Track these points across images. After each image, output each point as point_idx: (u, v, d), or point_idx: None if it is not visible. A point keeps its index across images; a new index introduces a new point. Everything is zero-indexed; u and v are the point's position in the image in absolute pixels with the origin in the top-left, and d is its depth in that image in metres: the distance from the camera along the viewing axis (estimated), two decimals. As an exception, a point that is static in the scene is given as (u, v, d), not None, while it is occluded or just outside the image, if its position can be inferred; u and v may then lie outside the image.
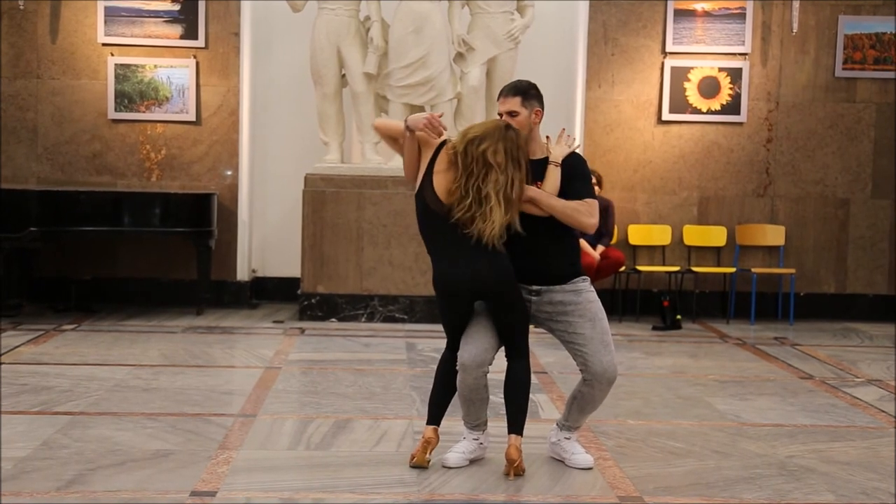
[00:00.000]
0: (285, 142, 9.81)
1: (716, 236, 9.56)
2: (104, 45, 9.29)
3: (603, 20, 9.46)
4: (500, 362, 4.62)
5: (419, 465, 4.55)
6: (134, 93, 9.30)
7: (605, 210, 8.78)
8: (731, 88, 9.49)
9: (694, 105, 9.49)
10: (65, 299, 9.06)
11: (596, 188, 8.25)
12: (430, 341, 7.69)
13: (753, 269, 9.41)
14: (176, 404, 5.72)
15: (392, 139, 4.75)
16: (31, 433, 5.01)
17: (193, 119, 9.36)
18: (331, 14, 8.79)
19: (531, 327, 4.64)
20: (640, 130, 9.54)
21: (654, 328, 8.79)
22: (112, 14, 9.26)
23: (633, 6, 9.46)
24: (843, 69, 9.54)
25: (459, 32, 8.85)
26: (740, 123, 9.55)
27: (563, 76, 9.72)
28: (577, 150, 4.72)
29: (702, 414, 5.82)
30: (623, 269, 9.07)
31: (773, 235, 9.57)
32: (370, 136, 8.91)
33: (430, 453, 4.58)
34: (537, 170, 4.54)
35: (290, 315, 9.00)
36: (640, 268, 9.33)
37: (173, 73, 9.32)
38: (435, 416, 4.65)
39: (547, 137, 4.68)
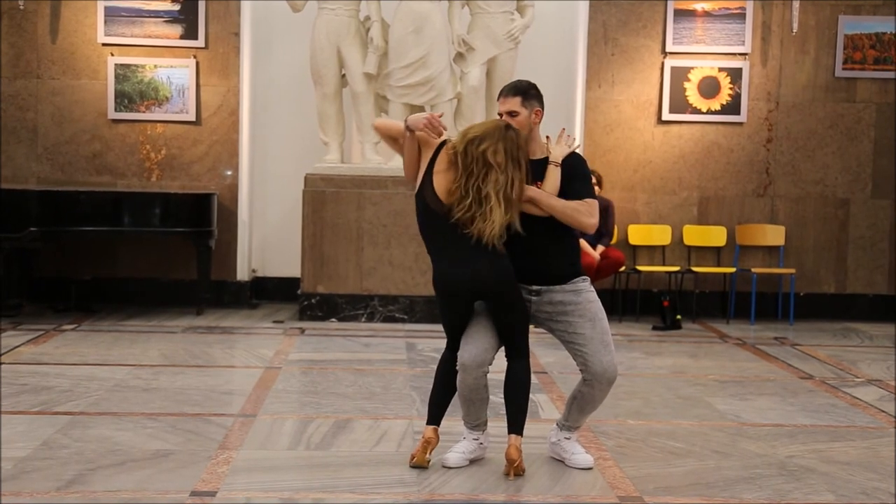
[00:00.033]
0: (285, 142, 9.81)
1: (716, 236, 9.56)
2: (104, 45, 9.29)
3: (603, 20, 9.46)
4: (500, 362, 4.62)
5: (419, 465, 4.55)
6: (134, 93, 9.31)
7: (605, 210, 8.78)
8: (731, 88, 9.49)
9: (694, 105, 9.49)
10: (65, 299, 9.06)
11: (596, 188, 8.24)
12: (430, 341, 7.69)
13: (753, 269, 9.41)
14: (176, 404, 5.72)
15: (392, 139, 4.75)
16: (31, 433, 5.01)
17: (193, 119, 9.36)
18: (331, 14, 8.79)
19: (531, 327, 4.64)
20: (640, 130, 9.54)
21: (654, 328, 8.79)
22: (112, 14, 9.26)
23: (633, 6, 9.46)
24: (843, 69, 9.54)
25: (459, 32, 8.85)
26: (740, 123, 9.55)
27: (563, 76, 9.72)
28: (577, 151, 4.72)
29: (702, 414, 5.82)
30: (623, 269, 9.07)
31: (773, 235, 9.57)
32: (370, 136, 8.91)
33: (430, 453, 4.58)
34: (537, 170, 4.54)
35: (290, 315, 9.00)
36: (640, 268, 9.33)
37: (173, 73, 9.32)
38: (435, 416, 4.65)
39: (547, 137, 4.68)
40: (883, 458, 4.96)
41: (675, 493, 4.36)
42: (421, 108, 8.86)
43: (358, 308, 8.75)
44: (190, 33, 9.30)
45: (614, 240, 9.13)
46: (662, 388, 6.49)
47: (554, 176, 4.52)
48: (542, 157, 4.59)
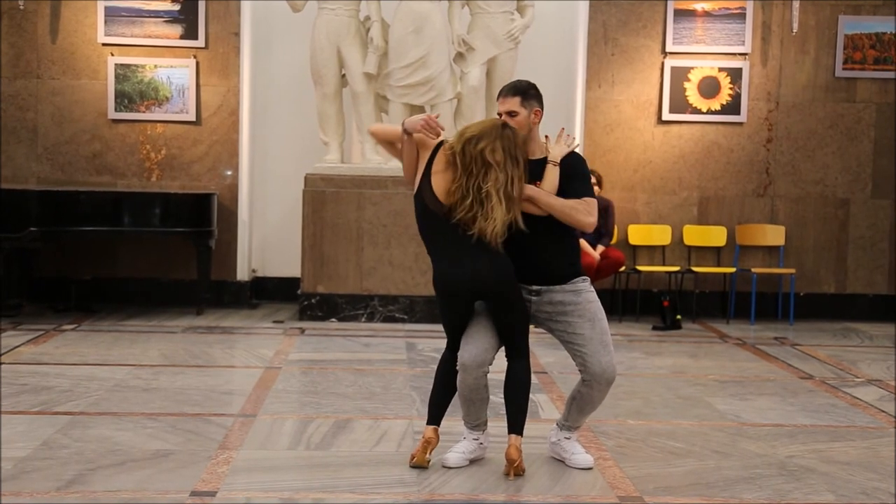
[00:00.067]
0: (285, 142, 9.81)
1: (716, 236, 9.56)
2: (104, 45, 9.29)
3: (603, 20, 9.46)
4: (500, 362, 4.62)
5: (419, 465, 4.56)
6: (134, 93, 9.31)
7: (606, 210, 8.79)
8: (731, 88, 9.49)
9: (694, 105, 9.49)
10: (65, 299, 9.06)
11: (596, 188, 8.25)
12: (430, 341, 7.70)
13: (753, 269, 9.41)
14: (176, 404, 5.72)
15: (389, 143, 4.75)
16: (31, 433, 5.01)
17: (193, 119, 9.36)
18: (331, 14, 8.79)
19: (531, 327, 4.64)
20: (640, 130, 9.54)
21: (654, 328, 8.79)
22: (112, 14, 9.26)
23: (633, 6, 9.46)
24: (843, 69, 9.54)
25: (459, 32, 8.85)
26: (740, 123, 9.55)
27: (563, 76, 9.72)
28: (577, 150, 4.72)
29: (702, 414, 5.82)
30: (623, 269, 9.07)
31: (773, 235, 9.57)
32: (370, 137, 8.90)
33: (430, 453, 4.58)
34: (536, 170, 4.54)
35: (290, 315, 9.00)
36: (640, 268, 9.33)
37: (173, 73, 9.32)
38: (435, 416, 4.65)
39: (546, 137, 4.68)
40: (883, 458, 4.96)
41: (675, 493, 4.36)
42: (421, 108, 8.86)
43: (358, 308, 8.75)
44: (190, 33, 9.30)
45: (614, 240, 9.13)
46: (662, 388, 6.49)
47: (552, 175, 4.52)
48: (542, 157, 4.59)
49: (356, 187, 8.74)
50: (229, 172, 9.42)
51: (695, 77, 9.48)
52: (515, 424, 4.53)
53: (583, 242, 8.23)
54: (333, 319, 8.72)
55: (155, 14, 9.28)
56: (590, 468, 4.63)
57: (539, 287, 4.56)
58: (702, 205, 9.62)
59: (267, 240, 9.91)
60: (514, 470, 4.47)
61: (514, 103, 4.55)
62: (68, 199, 8.62)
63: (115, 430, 5.11)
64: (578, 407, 4.67)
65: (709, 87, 9.49)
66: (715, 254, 9.62)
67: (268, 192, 9.86)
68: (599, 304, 4.62)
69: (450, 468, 4.57)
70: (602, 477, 4.56)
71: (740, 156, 9.59)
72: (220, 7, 9.34)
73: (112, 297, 9.34)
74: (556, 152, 4.58)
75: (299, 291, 8.82)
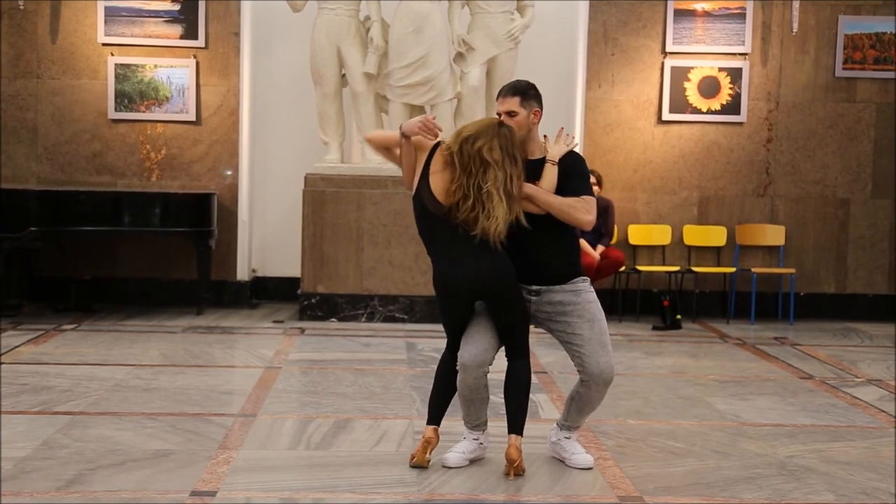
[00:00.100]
0: (285, 142, 9.81)
1: (716, 236, 9.56)
2: (104, 44, 9.29)
3: (603, 20, 9.46)
4: (500, 362, 4.62)
5: (419, 465, 4.56)
6: (134, 93, 9.31)
7: (606, 210, 8.79)
8: (731, 88, 9.49)
9: (694, 105, 9.49)
10: (65, 299, 9.06)
11: (596, 188, 8.27)
12: (430, 341, 7.70)
13: (753, 269, 9.41)
14: (176, 404, 5.72)
15: (385, 149, 4.76)
16: (31, 433, 5.01)
17: (193, 119, 9.36)
18: (331, 14, 8.79)
19: (531, 327, 4.64)
20: (640, 130, 9.54)
21: (654, 328, 8.79)
22: (112, 14, 9.26)
23: (633, 6, 9.46)
24: (843, 69, 9.54)
25: (459, 32, 8.85)
26: (740, 123, 9.55)
27: (563, 76, 9.72)
28: (576, 150, 4.72)
29: (702, 414, 5.82)
30: (623, 269, 9.07)
31: (773, 235, 9.57)
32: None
33: (430, 453, 4.58)
34: (535, 169, 4.53)
35: (290, 315, 9.00)
36: (640, 268, 9.33)
37: (173, 72, 9.32)
38: (435, 416, 4.65)
39: (545, 137, 4.68)
40: (883, 458, 4.96)
41: (675, 493, 4.36)
42: (421, 108, 8.86)
43: (358, 308, 8.75)
44: (190, 33, 9.31)
45: (614, 240, 9.13)
46: (662, 388, 6.49)
47: (550, 174, 4.52)
48: (541, 156, 4.59)
49: (356, 187, 8.74)
50: (229, 172, 9.42)
51: (695, 77, 9.48)
52: (515, 424, 4.53)
53: (583, 242, 8.23)
54: (333, 319, 8.72)
55: (155, 14, 9.28)
56: (590, 468, 4.63)
57: (539, 287, 4.56)
58: (702, 205, 9.62)
59: (267, 240, 9.91)
60: (514, 470, 4.47)
61: (513, 103, 4.54)
62: (68, 199, 8.62)
63: (115, 430, 5.11)
64: (577, 407, 4.67)
65: (709, 87, 9.49)
66: (715, 254, 9.62)
67: (268, 192, 9.86)
68: (599, 304, 4.62)
69: (450, 468, 4.57)
70: (602, 477, 4.56)
71: (740, 156, 9.59)
72: (220, 7, 9.34)
73: (112, 297, 9.34)
74: (555, 152, 4.58)
75: (299, 291, 8.82)
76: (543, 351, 7.22)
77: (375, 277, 8.73)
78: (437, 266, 4.56)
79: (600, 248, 8.68)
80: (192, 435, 5.08)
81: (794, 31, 9.47)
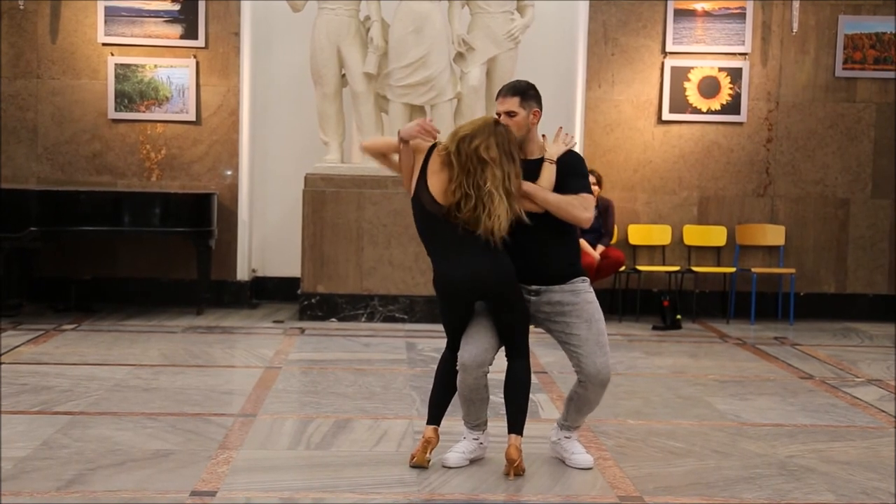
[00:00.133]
0: (285, 142, 9.81)
1: (716, 236, 9.56)
2: (104, 44, 9.29)
3: (603, 20, 9.46)
4: (500, 362, 4.62)
5: (419, 464, 4.56)
6: (134, 93, 9.31)
7: (606, 210, 8.80)
8: (731, 88, 9.49)
9: (694, 105, 9.49)
10: (65, 299, 9.06)
11: (596, 188, 8.29)
12: (430, 341, 7.70)
13: (753, 269, 9.41)
14: (176, 404, 5.72)
15: (382, 155, 4.76)
16: (31, 433, 5.01)
17: (193, 119, 9.36)
18: (331, 14, 8.79)
19: (531, 327, 4.64)
20: (640, 130, 9.54)
21: (654, 328, 8.79)
22: (112, 14, 9.26)
23: (633, 6, 9.46)
24: (843, 69, 9.54)
25: (459, 32, 8.85)
26: (740, 123, 9.55)
27: (563, 76, 9.72)
28: (576, 150, 4.72)
29: (702, 414, 5.82)
30: (623, 268, 9.07)
31: (773, 235, 9.57)
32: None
33: (430, 453, 4.58)
34: (535, 169, 4.53)
35: (290, 315, 9.00)
36: (640, 268, 9.33)
37: (173, 72, 9.32)
38: (435, 416, 4.65)
39: (543, 136, 4.68)
40: (883, 458, 4.96)
41: (675, 493, 4.36)
42: (421, 108, 8.87)
43: (358, 308, 8.75)
44: (190, 33, 9.31)
45: (614, 240, 9.13)
46: (662, 388, 6.49)
47: (549, 173, 4.52)
48: (540, 156, 4.59)
49: (356, 187, 8.74)
50: (229, 172, 9.42)
51: (695, 77, 9.48)
52: (515, 424, 4.53)
53: (583, 242, 8.24)
54: (333, 319, 8.72)
55: (155, 14, 9.28)
56: (589, 468, 4.63)
57: (538, 287, 4.56)
58: (702, 205, 9.62)
59: (267, 240, 9.91)
60: (514, 470, 4.47)
61: (513, 103, 4.55)
62: (68, 199, 8.62)
63: (115, 430, 5.12)
64: (576, 407, 4.67)
65: (709, 87, 9.49)
66: (715, 254, 9.62)
67: (268, 192, 9.86)
68: (598, 305, 4.62)
69: (450, 468, 4.57)
70: (602, 477, 4.56)
71: (740, 156, 9.59)
72: (220, 7, 9.34)
73: (112, 297, 9.34)
74: (553, 151, 4.58)
75: (299, 291, 8.82)
76: (543, 351, 7.21)
77: (375, 277, 8.73)
78: (437, 266, 4.56)
79: (600, 248, 8.69)
80: (192, 435, 5.08)
81: (794, 31, 9.47)
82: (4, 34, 9.25)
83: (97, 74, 9.31)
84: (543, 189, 4.49)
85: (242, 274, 9.57)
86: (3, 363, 6.68)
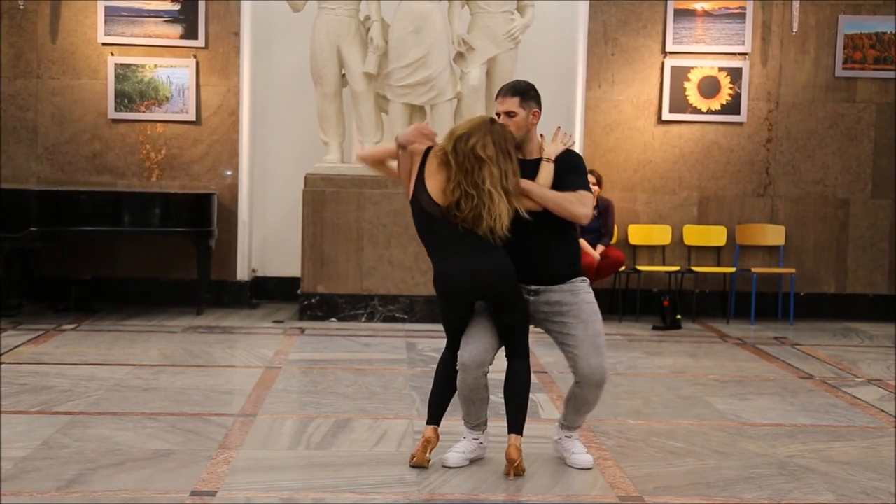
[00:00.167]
0: (285, 142, 9.81)
1: (716, 236, 9.56)
2: (104, 44, 9.29)
3: (603, 20, 9.46)
4: (500, 362, 4.62)
5: (419, 464, 4.56)
6: (134, 92, 9.31)
7: (606, 210, 8.80)
8: (731, 88, 9.49)
9: (694, 105, 9.49)
10: (65, 299, 9.06)
11: (596, 188, 8.29)
12: (430, 341, 7.70)
13: (753, 269, 9.41)
14: (176, 404, 5.72)
15: (379, 163, 4.78)
16: (31, 433, 5.01)
17: (193, 119, 9.36)
18: (331, 14, 8.79)
19: (531, 327, 4.64)
20: (640, 130, 9.54)
21: (654, 328, 8.79)
22: (112, 14, 9.26)
23: (633, 6, 9.46)
24: (843, 69, 9.54)
25: (459, 32, 8.85)
26: (740, 123, 9.55)
27: (563, 76, 9.72)
28: (576, 150, 4.71)
29: (702, 414, 5.82)
30: (623, 268, 9.07)
31: (773, 235, 9.57)
32: (370, 136, 8.92)
33: (430, 453, 4.58)
34: (533, 169, 4.53)
35: (290, 315, 9.00)
36: (640, 268, 9.33)
37: (173, 72, 9.32)
38: (435, 416, 4.65)
39: (541, 136, 4.68)
40: (883, 458, 4.96)
41: (675, 493, 4.36)
42: (421, 108, 8.87)
43: (358, 308, 8.75)
44: (190, 33, 9.31)
45: (614, 240, 9.13)
46: (662, 387, 6.49)
47: (546, 172, 4.52)
48: (539, 156, 4.59)
49: (356, 187, 8.74)
50: (229, 172, 9.42)
51: (695, 77, 9.48)
52: (515, 424, 4.53)
53: (583, 242, 8.24)
54: (333, 319, 8.72)
55: (155, 14, 9.28)
56: (589, 468, 4.63)
57: (537, 287, 4.56)
58: (702, 205, 9.62)
59: (267, 240, 9.91)
60: (514, 470, 4.47)
61: (513, 104, 4.55)
62: (68, 199, 8.62)
63: (115, 430, 5.12)
64: (574, 407, 4.67)
65: (709, 87, 9.49)
66: (715, 254, 9.62)
67: (268, 192, 9.86)
68: (596, 305, 4.61)
69: (450, 468, 4.57)
70: (602, 477, 4.56)
71: (740, 156, 9.59)
72: (220, 7, 9.34)
73: (112, 297, 9.34)
74: (551, 150, 4.58)
75: (299, 291, 8.82)
76: (543, 351, 7.21)
77: (375, 277, 8.73)
78: (437, 266, 4.56)
79: (600, 247, 8.69)
80: (192, 435, 5.08)
81: (794, 30, 9.47)
82: (4, 34, 9.26)
83: (97, 74, 9.31)
84: (541, 186, 4.49)
85: (242, 274, 9.57)
86: (3, 363, 6.68)
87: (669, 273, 9.33)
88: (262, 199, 9.85)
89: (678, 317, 8.87)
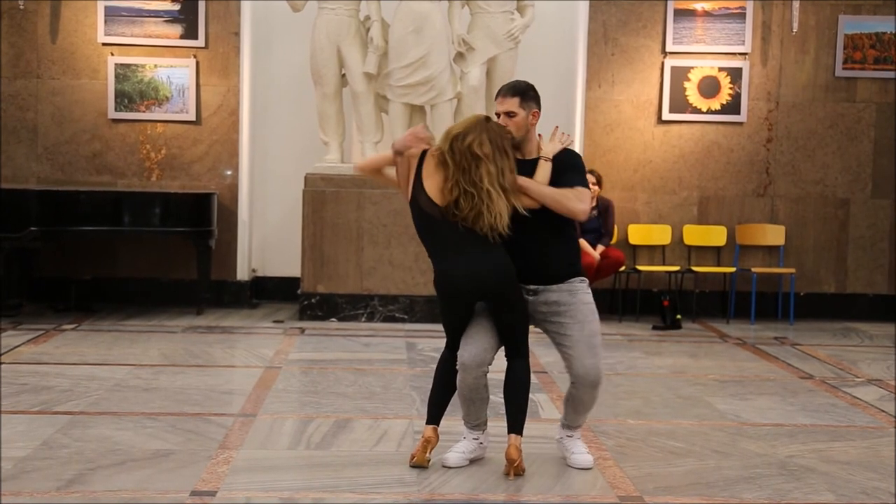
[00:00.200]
0: (285, 142, 9.81)
1: (716, 236, 9.56)
2: (104, 44, 9.29)
3: (603, 20, 9.46)
4: (500, 362, 4.62)
5: (419, 464, 4.56)
6: (134, 92, 9.31)
7: (606, 210, 8.80)
8: (731, 88, 9.49)
9: (694, 105, 9.49)
10: (65, 299, 9.06)
11: (596, 188, 8.29)
12: (430, 341, 7.70)
13: (753, 269, 9.41)
14: (176, 404, 5.72)
15: (377, 171, 4.78)
16: (31, 433, 5.01)
17: (193, 119, 9.36)
18: (331, 14, 8.78)
19: (531, 327, 4.64)
20: (640, 130, 9.54)
21: (654, 328, 8.79)
22: (112, 14, 9.26)
23: (633, 6, 9.46)
24: (843, 69, 9.54)
25: (459, 32, 8.84)
26: (740, 123, 9.55)
27: (563, 76, 9.72)
28: (576, 150, 4.71)
29: (702, 414, 5.82)
30: (623, 268, 9.07)
31: (773, 235, 9.57)
32: (370, 136, 8.92)
33: (430, 453, 4.58)
34: (533, 169, 4.53)
35: (290, 315, 9.00)
36: (640, 267, 9.33)
37: (173, 72, 9.32)
38: (434, 416, 4.65)
39: (539, 135, 4.68)
40: (883, 458, 4.96)
41: (675, 493, 4.36)
42: (421, 108, 8.87)
43: (358, 308, 8.75)
44: (190, 33, 9.31)
45: (614, 239, 9.13)
46: (662, 387, 6.49)
47: (544, 171, 4.52)
48: (538, 156, 4.59)
49: (356, 187, 8.74)
50: (229, 172, 9.42)
51: (695, 77, 9.48)
52: (515, 424, 4.53)
53: (583, 242, 8.24)
54: (333, 319, 8.72)
55: (155, 14, 9.28)
56: (588, 468, 4.63)
57: (536, 287, 4.56)
58: (702, 204, 9.62)
59: (267, 240, 9.91)
60: (514, 470, 4.47)
61: (512, 104, 4.55)
62: (68, 198, 8.62)
63: (115, 430, 5.12)
64: (573, 407, 4.68)
65: (709, 87, 9.49)
66: (715, 253, 9.62)
67: (268, 192, 9.86)
68: (593, 306, 4.61)
69: (450, 468, 4.57)
70: (602, 477, 4.56)
71: (740, 156, 9.59)
72: (220, 7, 9.34)
73: (112, 297, 9.34)
74: (549, 149, 4.58)
75: (299, 291, 8.82)
76: (543, 351, 7.20)
77: (375, 277, 8.73)
78: (437, 266, 4.56)
79: (600, 247, 8.69)
80: (192, 435, 5.08)
81: (794, 30, 9.47)
82: (4, 34, 9.26)
83: (97, 74, 9.31)
84: (538, 183, 4.49)
85: (242, 274, 9.57)
86: (3, 363, 6.68)
87: (669, 273, 9.33)
88: (262, 199, 9.85)
89: (678, 317, 8.87)
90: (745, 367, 7.26)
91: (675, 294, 9.13)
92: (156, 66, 9.31)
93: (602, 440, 5.14)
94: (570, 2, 9.68)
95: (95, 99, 9.32)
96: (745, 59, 9.50)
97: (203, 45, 9.33)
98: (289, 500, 4.14)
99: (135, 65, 9.30)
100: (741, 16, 9.45)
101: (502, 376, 4.63)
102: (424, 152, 4.53)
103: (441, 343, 4.75)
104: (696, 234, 9.56)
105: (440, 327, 4.79)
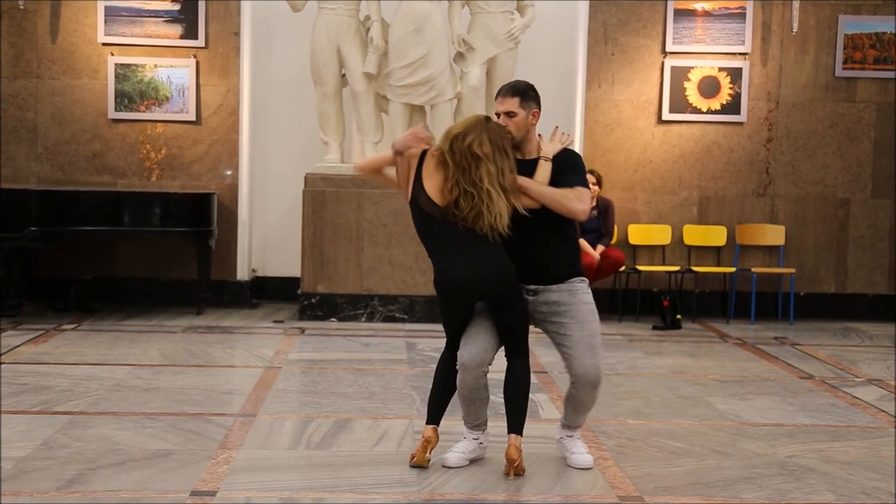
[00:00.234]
0: (285, 142, 9.81)
1: (716, 236, 9.56)
2: (104, 44, 9.29)
3: (603, 20, 9.46)
4: (500, 362, 4.62)
5: (419, 464, 4.56)
6: (134, 92, 9.31)
7: (606, 210, 8.80)
8: (731, 88, 9.49)
9: (694, 105, 9.49)
10: (65, 299, 9.06)
11: (596, 188, 8.29)
12: (430, 341, 7.70)
13: (753, 269, 9.41)
14: (176, 404, 5.72)
15: (377, 171, 4.78)
16: (31, 433, 5.01)
17: (193, 119, 9.36)
18: (331, 14, 8.78)
19: (531, 327, 4.64)
20: (640, 130, 9.54)
21: (654, 328, 8.79)
22: (112, 14, 9.26)
23: (633, 6, 9.46)
24: (843, 69, 9.54)
25: (459, 32, 8.85)
26: (740, 123, 9.55)
27: (563, 76, 9.72)
28: (576, 150, 4.71)
29: (702, 414, 5.82)
30: (623, 268, 9.07)
31: (773, 235, 9.57)
32: (370, 136, 8.92)
33: (430, 453, 4.58)
34: (533, 169, 4.53)
35: (290, 315, 9.00)
36: (640, 267, 9.33)
37: (173, 72, 9.32)
38: (434, 416, 4.65)
39: (539, 136, 4.68)
40: (883, 458, 4.96)
41: (675, 493, 4.36)
42: (421, 108, 8.87)
43: (358, 308, 8.75)
44: (190, 33, 9.31)
45: (614, 239, 9.13)
46: (662, 387, 6.49)
47: (544, 171, 4.52)
48: (538, 156, 4.59)
49: (356, 187, 8.74)
50: (229, 172, 9.42)
51: (695, 77, 9.48)
52: (515, 424, 4.53)
53: (583, 242, 8.24)
54: (333, 319, 8.72)
55: (155, 14, 9.28)
56: (588, 468, 4.63)
57: (536, 287, 4.56)
58: (702, 204, 9.62)
59: (267, 240, 9.91)
60: (514, 470, 4.47)
61: (512, 104, 4.55)
62: (68, 198, 8.62)
63: (115, 430, 5.12)
64: (572, 407, 4.68)
65: (709, 87, 9.49)
66: (715, 253, 9.62)
67: (268, 192, 9.86)
68: (593, 306, 4.61)
69: (450, 468, 4.57)
70: (602, 477, 4.56)
71: (740, 156, 9.59)
72: (220, 7, 9.34)
73: (112, 296, 9.34)
74: (549, 149, 4.58)
75: (299, 291, 8.82)
76: (543, 351, 7.20)
77: (375, 277, 8.73)
78: (437, 266, 4.56)
79: (600, 247, 8.69)
80: (192, 435, 5.08)
81: (794, 30, 9.47)
82: (4, 34, 9.26)
83: (97, 74, 9.31)
84: (538, 183, 4.49)
85: (242, 274, 9.57)
86: (3, 363, 6.68)
87: (669, 273, 9.33)
88: (262, 199, 9.85)
89: (678, 317, 8.87)
90: (745, 367, 7.26)
91: (675, 294, 9.13)
92: (156, 66, 9.31)
93: (602, 440, 5.14)
94: (570, 2, 9.68)
95: (95, 99, 9.32)
96: (745, 59, 9.50)
97: (203, 45, 9.33)
98: (289, 500, 4.14)
99: (135, 65, 9.30)
100: (741, 16, 9.45)
101: (502, 376, 4.63)
102: (424, 152, 4.54)
103: (441, 343, 4.75)
104: (696, 234, 9.56)
105: (440, 327, 4.79)
